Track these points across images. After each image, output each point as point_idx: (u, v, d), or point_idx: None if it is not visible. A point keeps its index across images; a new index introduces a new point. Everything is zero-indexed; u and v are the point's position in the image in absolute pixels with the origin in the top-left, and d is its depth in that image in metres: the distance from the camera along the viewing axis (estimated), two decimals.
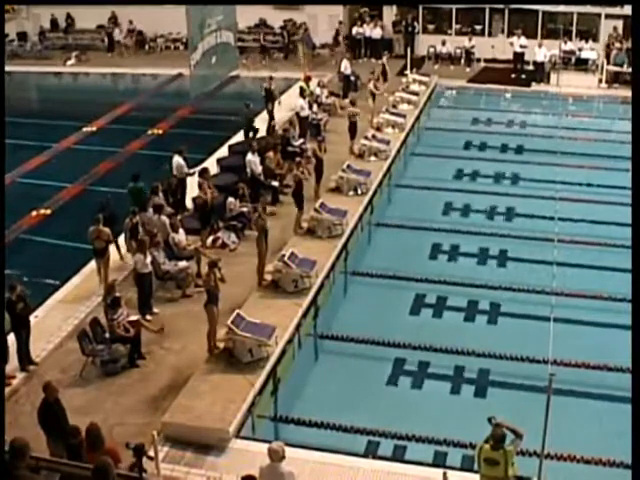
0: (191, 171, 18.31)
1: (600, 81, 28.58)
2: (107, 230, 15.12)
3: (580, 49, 29.73)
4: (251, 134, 22.25)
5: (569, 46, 29.72)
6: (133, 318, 13.31)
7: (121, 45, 34.38)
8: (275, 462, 9.13)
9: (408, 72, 28.19)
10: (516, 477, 9.32)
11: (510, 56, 30.26)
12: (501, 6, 31.04)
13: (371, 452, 11.57)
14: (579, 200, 19.71)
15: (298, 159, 18.50)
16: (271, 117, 23.28)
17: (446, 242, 17.92)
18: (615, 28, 29.84)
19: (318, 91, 24.81)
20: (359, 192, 18.79)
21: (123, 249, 16.18)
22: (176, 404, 11.69)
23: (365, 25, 31.93)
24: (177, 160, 18.13)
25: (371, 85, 24.26)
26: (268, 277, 14.93)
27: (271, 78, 23.98)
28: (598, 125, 26.25)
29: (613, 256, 16.80)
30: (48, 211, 19.72)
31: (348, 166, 19.28)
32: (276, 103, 23.99)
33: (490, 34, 31.75)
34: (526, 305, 15.34)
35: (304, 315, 14.34)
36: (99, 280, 15.22)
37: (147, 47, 34.52)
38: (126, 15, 34.53)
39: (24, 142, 23.43)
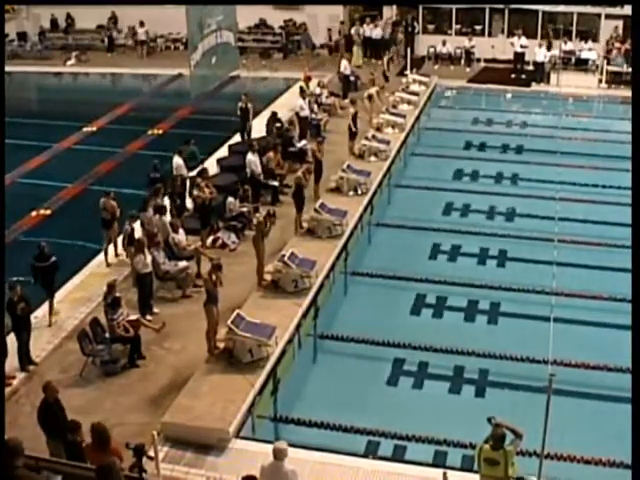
0: (190, 174, 18.33)
1: (600, 81, 28.60)
2: (113, 203, 15.96)
3: (580, 49, 29.76)
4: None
5: (569, 46, 29.73)
6: (133, 318, 13.31)
7: (142, 46, 34.02)
8: (278, 460, 9.16)
9: (408, 72, 28.21)
10: (516, 477, 9.33)
11: (510, 56, 30.29)
12: (501, 6, 31.06)
13: (371, 452, 11.56)
14: (579, 200, 19.71)
15: (305, 165, 18.52)
16: (246, 137, 22.33)
17: (446, 242, 17.91)
18: (616, 28, 29.85)
19: (318, 91, 24.82)
20: (359, 192, 18.78)
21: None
22: (176, 404, 11.69)
23: (365, 25, 31.94)
24: (177, 160, 18.14)
25: (372, 90, 24.21)
26: (268, 277, 14.93)
27: (246, 95, 22.71)
28: (598, 125, 26.23)
29: (613, 256, 16.81)
30: (48, 211, 19.72)
31: (348, 166, 19.27)
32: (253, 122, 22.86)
33: (490, 34, 31.77)
34: (526, 305, 15.34)
35: (304, 315, 14.34)
36: (105, 250, 16.19)
37: (147, 47, 34.45)
38: (126, 15, 34.55)
39: (24, 142, 23.42)
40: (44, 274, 14.09)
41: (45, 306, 14.61)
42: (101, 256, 16.46)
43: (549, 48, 29.19)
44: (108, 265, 16.16)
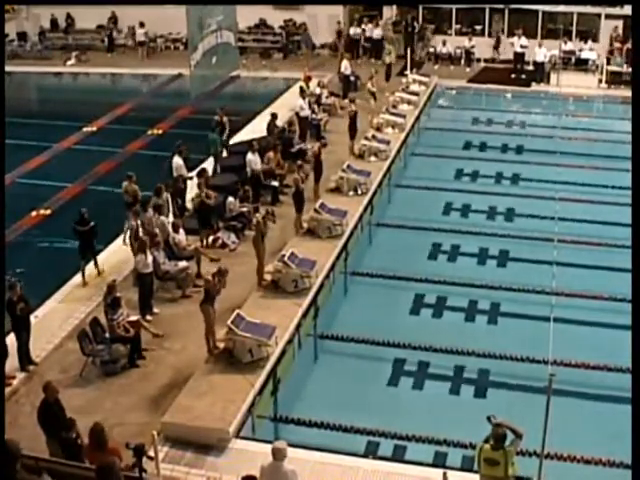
0: (190, 175, 18.35)
1: (600, 81, 28.61)
2: (135, 187, 16.71)
3: (580, 49, 29.77)
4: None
5: (569, 46, 29.75)
6: (133, 318, 13.32)
7: (142, 47, 33.83)
8: (278, 461, 9.15)
9: (408, 72, 28.22)
10: (516, 477, 9.33)
11: (510, 56, 30.31)
12: (501, 6, 31.07)
13: (371, 452, 11.57)
14: (579, 200, 19.71)
15: (299, 162, 18.52)
16: (222, 151, 21.07)
17: (446, 242, 17.91)
18: (616, 28, 29.86)
19: (318, 91, 24.81)
20: (359, 192, 18.77)
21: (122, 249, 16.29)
22: (176, 404, 11.69)
23: (364, 25, 31.95)
24: (176, 160, 18.14)
25: (369, 85, 24.28)
26: (268, 277, 14.92)
27: (222, 109, 21.50)
28: (598, 125, 26.23)
29: (613, 256, 16.81)
30: (48, 211, 19.72)
31: (348, 166, 19.27)
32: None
33: (490, 34, 31.78)
34: (526, 305, 15.34)
35: (304, 315, 14.32)
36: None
37: (147, 47, 34.40)
38: (126, 15, 34.53)
39: (24, 142, 23.42)
40: (84, 237, 15.42)
41: (44, 306, 14.67)
42: (102, 256, 16.46)
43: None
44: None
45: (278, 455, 9.15)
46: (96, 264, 15.83)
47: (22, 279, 13.16)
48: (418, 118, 25.12)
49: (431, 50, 31.52)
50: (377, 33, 31.75)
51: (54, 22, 36.02)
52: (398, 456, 11.46)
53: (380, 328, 14.37)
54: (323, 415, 12.11)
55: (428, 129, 25.76)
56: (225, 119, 21.25)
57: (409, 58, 28.68)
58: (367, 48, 31.75)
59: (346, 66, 27.13)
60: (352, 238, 17.33)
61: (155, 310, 14.49)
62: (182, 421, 11.37)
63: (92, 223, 15.42)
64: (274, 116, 21.96)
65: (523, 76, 29.58)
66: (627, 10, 27.02)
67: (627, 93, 24.59)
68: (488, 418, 9.24)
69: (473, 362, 13.54)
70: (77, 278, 15.73)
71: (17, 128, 22.73)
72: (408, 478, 10.61)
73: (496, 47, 31.22)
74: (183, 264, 15.22)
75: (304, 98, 23.11)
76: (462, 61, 31.05)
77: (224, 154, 21.16)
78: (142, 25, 33.65)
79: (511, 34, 30.67)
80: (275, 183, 18.99)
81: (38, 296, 14.34)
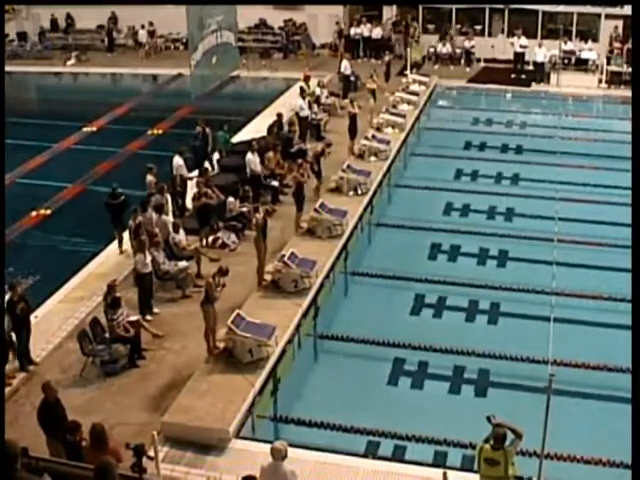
0: (190, 175, 18.34)
1: (600, 81, 28.61)
2: (151, 178, 17.08)
3: (580, 49, 29.78)
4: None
5: (569, 46, 29.75)
6: (133, 318, 13.32)
7: (147, 47, 33.86)
8: (277, 461, 9.15)
9: (408, 72, 28.22)
10: (516, 477, 9.33)
11: (510, 56, 30.32)
12: (501, 6, 31.08)
13: (371, 452, 11.56)
14: (579, 200, 19.71)
15: (300, 161, 18.50)
16: (211, 165, 20.13)
17: (446, 242, 17.89)
18: (616, 28, 29.87)
19: (318, 91, 24.80)
20: (359, 192, 18.77)
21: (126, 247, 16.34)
22: (176, 404, 11.69)
23: (362, 25, 31.96)
24: (177, 160, 18.14)
25: (368, 83, 24.30)
26: (268, 277, 14.93)
27: (203, 119, 20.75)
28: (598, 125, 26.24)
29: (613, 256, 16.80)
30: (48, 211, 19.72)
31: (348, 166, 19.27)
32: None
33: (490, 34, 31.79)
34: (526, 305, 15.32)
35: (304, 315, 14.33)
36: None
37: (148, 47, 34.42)
38: (126, 15, 34.54)
39: (24, 142, 23.42)
40: (115, 210, 16.31)
41: (44, 306, 14.69)
42: (101, 256, 16.49)
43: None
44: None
45: (277, 455, 9.14)
46: (121, 238, 16.41)
47: (23, 279, 13.17)
48: (418, 118, 25.12)
49: (431, 50, 31.58)
50: (377, 33, 31.79)
51: (54, 22, 36.02)
52: (398, 456, 11.44)
53: (380, 328, 14.36)
54: (323, 415, 12.10)
55: (428, 129, 25.76)
56: (208, 130, 20.52)
57: (409, 58, 28.70)
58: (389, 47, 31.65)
59: (346, 66, 27.11)
60: (352, 238, 17.33)
61: (155, 310, 14.49)
62: (182, 421, 11.38)
63: (123, 197, 16.29)
64: (279, 116, 21.92)
65: (523, 76, 29.58)
66: (627, 10, 27.02)
67: (627, 93, 24.59)
68: (488, 418, 9.24)
69: (473, 362, 13.52)
70: (77, 278, 15.74)
71: (17, 128, 22.74)
72: (408, 478, 10.61)
73: (443, 43, 31.25)
74: (183, 264, 15.22)
75: (304, 98, 23.10)
76: (462, 61, 31.06)
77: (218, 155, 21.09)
78: (144, 26, 33.65)
79: (511, 34, 30.70)
80: (275, 183, 18.98)
81: (38, 296, 14.33)
